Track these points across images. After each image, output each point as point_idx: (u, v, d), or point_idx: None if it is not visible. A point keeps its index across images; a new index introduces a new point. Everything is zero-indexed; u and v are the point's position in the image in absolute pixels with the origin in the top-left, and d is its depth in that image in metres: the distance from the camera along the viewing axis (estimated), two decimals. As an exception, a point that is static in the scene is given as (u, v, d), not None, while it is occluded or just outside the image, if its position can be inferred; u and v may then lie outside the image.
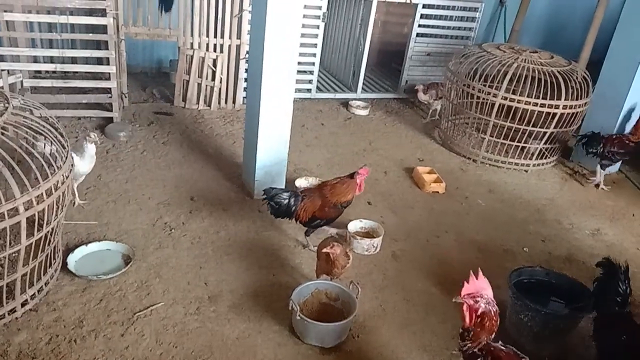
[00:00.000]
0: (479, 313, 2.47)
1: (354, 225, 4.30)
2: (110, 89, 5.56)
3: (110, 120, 5.63)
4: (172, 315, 3.31)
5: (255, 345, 3.18)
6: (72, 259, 3.61)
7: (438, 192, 5.18)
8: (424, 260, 4.15)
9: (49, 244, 3.20)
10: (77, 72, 5.99)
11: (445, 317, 3.56)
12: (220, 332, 3.22)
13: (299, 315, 3.19)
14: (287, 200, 3.92)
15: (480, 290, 2.50)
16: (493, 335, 2.52)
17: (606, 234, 4.82)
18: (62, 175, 3.12)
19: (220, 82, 6.27)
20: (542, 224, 4.89)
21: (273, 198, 3.93)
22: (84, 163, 4.07)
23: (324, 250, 3.40)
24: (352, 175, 4.01)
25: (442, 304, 3.71)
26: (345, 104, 7.04)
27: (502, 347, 2.53)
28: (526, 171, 5.90)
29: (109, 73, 5.48)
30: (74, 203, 4.16)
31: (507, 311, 3.47)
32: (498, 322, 2.52)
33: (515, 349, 2.57)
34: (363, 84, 7.43)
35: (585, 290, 3.42)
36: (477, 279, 2.51)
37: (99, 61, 5.93)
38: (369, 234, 4.29)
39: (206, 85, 6.26)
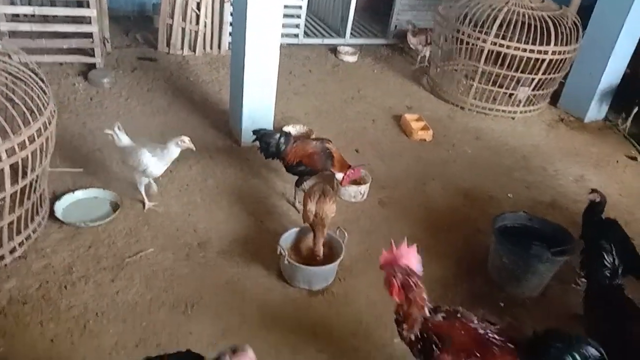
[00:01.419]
0: (399, 284, 2.22)
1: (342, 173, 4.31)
2: (91, 33, 5.38)
3: (92, 66, 5.48)
4: (161, 261, 3.35)
5: (244, 289, 3.25)
6: (60, 207, 3.61)
7: (425, 139, 5.19)
8: (411, 207, 4.21)
9: (34, 192, 3.18)
10: (56, 16, 5.77)
11: (430, 262, 3.62)
12: (210, 277, 3.27)
13: (287, 260, 3.25)
14: (277, 140, 3.91)
15: (399, 259, 2.28)
16: (426, 310, 2.27)
17: (590, 180, 4.89)
18: (45, 121, 3.07)
19: (205, 26, 6.10)
20: (527, 171, 4.95)
21: (263, 137, 3.92)
22: (160, 165, 3.60)
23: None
24: (349, 165, 4.04)
25: (427, 250, 3.77)
26: (334, 50, 6.91)
27: (443, 317, 2.26)
28: (513, 118, 5.91)
29: (90, 17, 5.29)
30: (144, 205, 3.75)
31: (490, 255, 3.56)
32: (424, 295, 2.27)
33: (467, 315, 2.30)
34: (352, 29, 7.28)
35: (568, 235, 3.50)
36: (398, 248, 2.30)
37: (79, 4, 5.70)
38: (356, 181, 4.31)
39: (190, 30, 6.09)
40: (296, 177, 4.04)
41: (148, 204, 3.76)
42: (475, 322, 2.25)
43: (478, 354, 2.14)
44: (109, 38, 5.95)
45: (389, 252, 2.31)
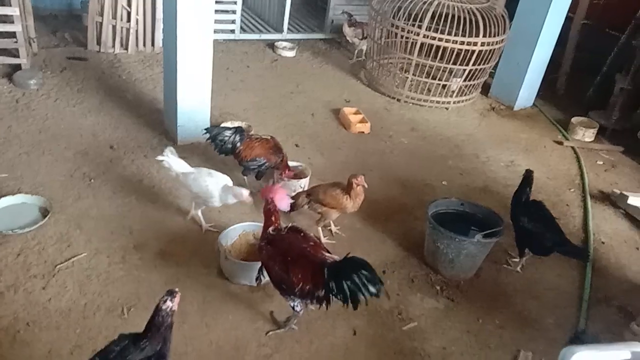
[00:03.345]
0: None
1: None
2: (15, 32, 5.14)
3: (18, 67, 5.24)
4: (95, 265, 3.26)
5: (184, 288, 3.13)
6: (-16, 215, 3.44)
7: (364, 132, 5.27)
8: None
9: (-46, 200, 3.03)
10: (-25, 15, 5.48)
11: (369, 250, 3.72)
12: (148, 278, 3.22)
13: (226, 257, 3.23)
14: (232, 137, 3.95)
15: (271, 193, 3.00)
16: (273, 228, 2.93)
17: (519, 165, 5.11)
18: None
19: (137, 23, 5.95)
20: (461, 159, 5.12)
21: (218, 135, 3.93)
22: (218, 200, 3.51)
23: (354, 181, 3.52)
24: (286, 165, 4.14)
25: (366, 239, 3.87)
26: (271, 45, 6.90)
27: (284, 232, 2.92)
28: (447, 109, 6.09)
29: (12, 15, 5.05)
30: (202, 228, 3.66)
31: (425, 241, 3.68)
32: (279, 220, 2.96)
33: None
34: (289, 24, 7.27)
35: (498, 218, 3.65)
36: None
37: (1, 2, 5.43)
38: (296, 175, 4.33)
39: (121, 27, 5.92)
40: (243, 169, 4.08)
41: (205, 226, 3.67)
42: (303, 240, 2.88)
43: (289, 258, 2.78)
44: (35, 38, 5.70)
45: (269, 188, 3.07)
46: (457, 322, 3.32)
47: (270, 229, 2.95)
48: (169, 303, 2.17)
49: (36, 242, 3.36)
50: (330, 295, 2.67)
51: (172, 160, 3.59)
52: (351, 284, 2.58)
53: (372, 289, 2.58)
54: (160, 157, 3.60)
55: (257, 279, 3.12)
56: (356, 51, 6.91)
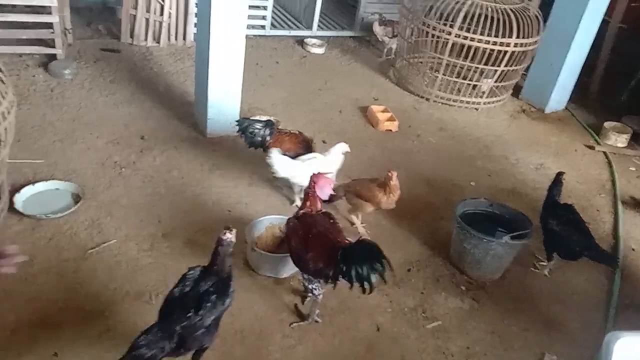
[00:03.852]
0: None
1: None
2: (52, 23, 5.26)
3: (53, 57, 5.36)
4: (125, 251, 3.32)
5: None
6: (19, 199, 3.53)
7: (391, 130, 5.26)
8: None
9: (-8, 183, 3.12)
10: (15, 5, 5.61)
11: (394, 247, 3.70)
12: (175, 266, 3.25)
13: (253, 248, 3.26)
14: (262, 130, 3.99)
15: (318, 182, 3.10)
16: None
17: (549, 168, 5.04)
18: (3, 111, 3.00)
19: (169, 17, 6.03)
20: (489, 160, 5.07)
21: (248, 127, 3.96)
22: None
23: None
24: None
25: (392, 236, 3.85)
26: (301, 41, 6.92)
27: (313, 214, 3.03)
28: (477, 109, 6.03)
29: (50, 6, 5.17)
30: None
31: (452, 240, 3.65)
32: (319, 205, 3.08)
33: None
34: (319, 21, 7.29)
35: (526, 220, 3.60)
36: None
37: (39, -6, 5.57)
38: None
39: (154, 21, 6.01)
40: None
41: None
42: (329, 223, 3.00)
43: (310, 235, 2.89)
44: (70, 29, 5.82)
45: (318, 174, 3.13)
46: (482, 322, 3.29)
47: (302, 211, 3.06)
48: (228, 235, 2.49)
49: (68, 227, 3.44)
50: (339, 276, 2.74)
51: (277, 160, 3.74)
52: (359, 269, 2.66)
53: (373, 279, 2.67)
54: (269, 161, 3.77)
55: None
56: (385, 49, 6.89)
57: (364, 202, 3.67)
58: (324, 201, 3.51)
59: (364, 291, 2.69)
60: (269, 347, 2.89)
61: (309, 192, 3.08)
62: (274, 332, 2.98)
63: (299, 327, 3.03)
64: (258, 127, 4.00)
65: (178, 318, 2.32)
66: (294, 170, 3.78)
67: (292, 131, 4.16)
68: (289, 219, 3.10)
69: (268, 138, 4.00)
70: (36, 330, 2.76)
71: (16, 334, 2.72)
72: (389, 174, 3.56)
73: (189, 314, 2.32)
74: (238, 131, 4.03)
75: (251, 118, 4.69)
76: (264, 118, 4.90)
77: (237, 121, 4.04)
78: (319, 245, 2.84)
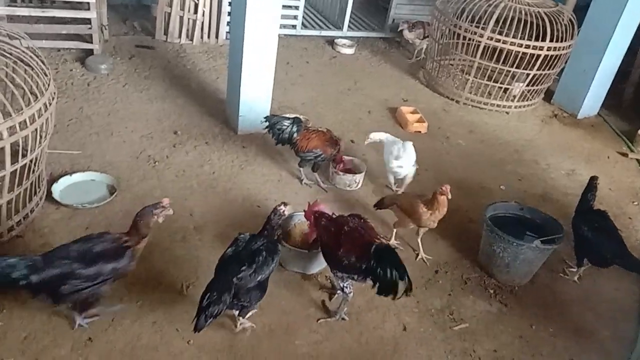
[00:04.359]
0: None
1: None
2: (90, 19, 5.40)
3: (90, 52, 5.51)
4: (158, 242, 3.39)
5: None
6: (57, 189, 3.64)
7: (420, 131, 5.24)
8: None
9: (33, 172, 3.22)
10: (55, 1, 5.79)
11: (422, 248, 3.70)
12: (206, 258, 3.32)
13: (282, 244, 3.30)
14: (290, 127, 4.03)
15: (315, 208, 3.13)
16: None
17: (581, 174, 4.97)
18: (45, 102, 3.10)
19: (203, 15, 6.13)
20: (520, 164, 5.02)
21: (276, 124, 4.00)
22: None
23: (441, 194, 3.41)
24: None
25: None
26: (331, 42, 6.95)
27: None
28: (507, 113, 5.98)
29: (89, 3, 5.31)
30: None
31: (481, 243, 3.63)
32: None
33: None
34: (349, 21, 7.31)
35: (558, 225, 3.56)
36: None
37: (78, -10, 5.72)
38: (350, 170, 4.37)
39: (188, 19, 6.12)
40: (299, 159, 4.16)
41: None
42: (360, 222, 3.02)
43: (343, 231, 2.92)
44: (107, 25, 5.97)
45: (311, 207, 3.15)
46: (510, 326, 3.27)
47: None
48: (283, 207, 2.89)
49: (103, 217, 3.52)
50: (370, 272, 2.74)
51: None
52: (388, 271, 2.67)
53: (401, 286, 2.67)
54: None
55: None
56: (416, 51, 6.88)
57: (406, 217, 3.57)
58: (374, 206, 3.73)
59: (386, 294, 2.70)
60: (296, 342, 2.93)
61: (317, 217, 3.11)
62: (301, 327, 3.01)
63: (326, 324, 3.05)
64: (286, 124, 4.04)
65: (234, 271, 2.60)
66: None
67: (320, 129, 4.19)
68: (316, 217, 3.10)
69: (295, 135, 4.04)
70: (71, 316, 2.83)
71: (53, 319, 2.80)
72: (442, 188, 3.38)
73: (244, 267, 2.61)
74: (266, 127, 4.07)
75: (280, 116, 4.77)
76: (294, 116, 4.97)
77: (265, 117, 4.08)
78: (351, 240, 2.86)
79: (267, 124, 4.06)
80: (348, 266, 2.85)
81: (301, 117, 4.95)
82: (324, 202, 3.30)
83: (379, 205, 3.74)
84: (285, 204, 2.90)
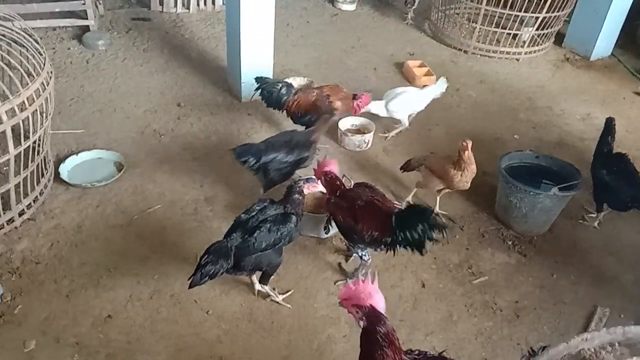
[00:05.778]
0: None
1: (345, 123, 4.28)
2: (82, -5, 5.27)
3: (86, 29, 5.39)
4: (170, 216, 3.37)
5: None
6: (64, 169, 3.61)
7: (429, 85, 5.09)
8: (415, 154, 4.16)
9: (38, 154, 3.19)
10: (45, -22, 5.64)
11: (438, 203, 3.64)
12: (219, 229, 3.29)
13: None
14: (278, 90, 3.91)
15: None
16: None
17: (596, 117, 4.82)
18: (43, 82, 3.04)
19: (198, -19, 5.96)
20: (533, 112, 4.88)
21: (265, 87, 3.91)
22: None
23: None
24: (354, 96, 4.01)
25: (434, 192, 3.78)
26: (331, -1, 6.75)
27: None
28: (518, 60, 5.79)
29: (80, -23, 5.17)
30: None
31: (497, 195, 3.56)
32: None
33: None
34: (348, -23, 7.05)
35: (575, 171, 3.47)
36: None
37: (68, -35, 5.57)
38: (360, 131, 4.28)
39: (184, -14, 5.95)
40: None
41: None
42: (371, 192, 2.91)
43: (357, 207, 2.80)
44: (100, 0, 5.83)
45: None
46: (530, 277, 3.23)
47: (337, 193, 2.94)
48: (303, 182, 2.89)
49: (113, 194, 3.50)
50: (397, 242, 2.68)
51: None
52: (416, 232, 2.62)
53: (434, 235, 2.63)
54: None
55: (325, 229, 3.16)
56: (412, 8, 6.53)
57: (436, 178, 3.43)
58: (401, 168, 3.62)
59: (421, 253, 2.67)
60: (314, 305, 2.92)
61: (329, 179, 2.96)
62: (319, 290, 3.00)
63: (344, 286, 3.02)
64: (276, 87, 3.93)
65: (234, 239, 2.64)
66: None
67: (307, 90, 4.06)
68: (327, 197, 2.95)
69: (284, 98, 3.93)
70: (89, 294, 2.85)
71: (71, 298, 2.82)
72: (463, 143, 3.24)
73: (244, 236, 2.64)
74: (256, 89, 3.97)
75: (285, 80, 4.66)
76: (298, 79, 4.85)
77: (255, 78, 3.97)
78: (368, 215, 2.76)
79: (257, 86, 3.96)
80: (372, 242, 2.78)
81: (305, 79, 4.86)
82: (333, 159, 3.17)
83: (406, 167, 3.61)
84: (308, 181, 2.90)
